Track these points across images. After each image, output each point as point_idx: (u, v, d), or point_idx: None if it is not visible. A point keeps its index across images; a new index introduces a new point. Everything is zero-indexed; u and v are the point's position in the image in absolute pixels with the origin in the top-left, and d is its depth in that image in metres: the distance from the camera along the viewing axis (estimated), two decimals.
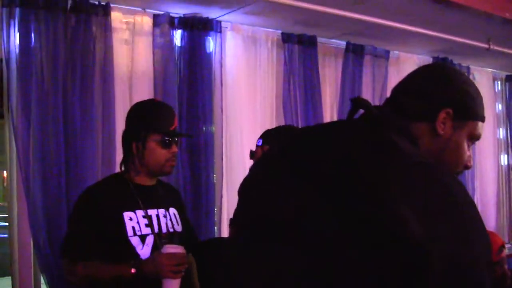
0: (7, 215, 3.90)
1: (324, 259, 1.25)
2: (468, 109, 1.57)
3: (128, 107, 3.59)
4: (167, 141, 2.77)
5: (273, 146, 1.64)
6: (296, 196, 1.35)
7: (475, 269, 1.22)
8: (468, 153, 1.60)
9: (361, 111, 1.55)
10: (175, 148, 2.81)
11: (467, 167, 1.61)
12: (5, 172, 3.90)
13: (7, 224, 3.96)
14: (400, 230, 1.18)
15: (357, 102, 1.54)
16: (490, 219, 6.42)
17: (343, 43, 5.16)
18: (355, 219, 1.23)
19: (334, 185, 1.30)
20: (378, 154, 1.34)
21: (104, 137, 3.85)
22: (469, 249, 1.22)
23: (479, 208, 6.07)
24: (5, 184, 3.85)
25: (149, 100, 3.08)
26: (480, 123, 1.60)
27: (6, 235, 4.10)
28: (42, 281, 3.80)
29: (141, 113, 2.85)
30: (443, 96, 1.55)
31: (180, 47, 4.26)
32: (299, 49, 4.86)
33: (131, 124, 2.85)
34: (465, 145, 1.58)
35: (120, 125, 3.75)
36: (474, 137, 1.60)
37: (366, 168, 1.29)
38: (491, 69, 6.67)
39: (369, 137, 1.40)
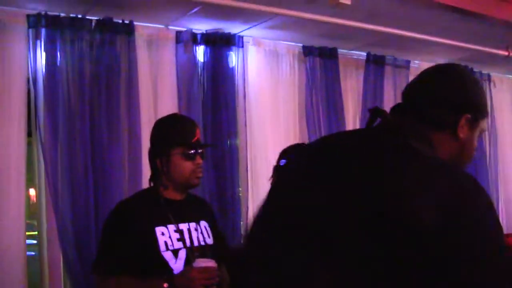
0: (34, 233, 3.94)
1: (344, 256, 1.29)
2: (481, 109, 1.62)
3: (153, 123, 3.66)
4: (190, 154, 2.78)
5: (298, 156, 1.67)
6: (323, 197, 1.39)
7: (493, 256, 1.24)
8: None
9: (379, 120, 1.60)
10: (199, 160, 2.82)
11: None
12: (31, 190, 3.94)
13: (35, 241, 4.00)
14: (415, 223, 1.21)
15: (375, 112, 1.59)
16: None
17: (363, 54, 5.17)
18: (375, 216, 1.26)
19: (358, 187, 1.34)
20: (400, 158, 1.38)
21: (131, 153, 3.88)
22: (486, 239, 1.24)
23: (503, 208, 6.09)
24: (31, 201, 3.86)
25: (170, 115, 3.09)
26: (486, 119, 1.66)
27: (34, 253, 4.13)
28: None
29: (162, 129, 2.88)
30: (463, 103, 1.58)
31: (203, 62, 4.29)
32: (320, 62, 4.87)
33: (154, 141, 2.87)
34: (476, 141, 1.63)
35: (145, 141, 3.72)
36: (483, 131, 1.65)
37: (388, 172, 1.33)
38: None
39: (390, 143, 1.45)
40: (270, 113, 4.62)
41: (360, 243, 1.27)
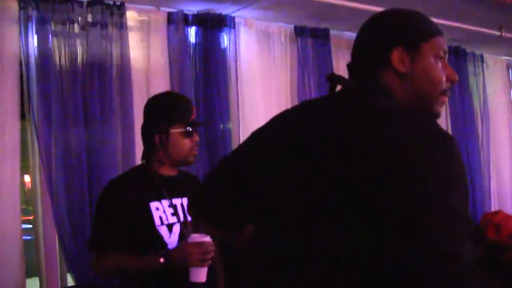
0: (31, 217, 3.96)
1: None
2: (414, 35, 1.58)
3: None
4: (189, 131, 2.80)
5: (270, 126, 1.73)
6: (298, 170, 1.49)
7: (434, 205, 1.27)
8: (446, 70, 1.60)
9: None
10: (196, 137, 2.84)
11: (453, 81, 1.62)
12: (26, 176, 3.96)
13: (31, 226, 4.03)
14: (368, 168, 1.32)
15: (332, 78, 1.66)
16: (507, 208, 6.41)
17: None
18: (341, 163, 1.38)
19: (326, 146, 1.45)
20: (355, 114, 1.46)
21: (124, 134, 3.90)
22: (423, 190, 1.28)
23: (495, 187, 6.10)
24: (26, 188, 3.88)
25: (166, 93, 3.10)
26: (435, 39, 1.59)
27: (30, 237, 4.16)
28: (69, 279, 3.87)
29: (160, 106, 2.88)
30: (386, 39, 1.58)
31: (195, 44, 4.31)
32: (312, 42, 4.89)
33: (151, 117, 2.86)
34: (435, 66, 1.58)
35: (138, 121, 3.73)
36: (440, 53, 1.59)
37: (348, 130, 1.42)
38: (505, 57, 6.66)
39: (350, 103, 1.52)
40: (262, 94, 4.64)
41: (333, 192, 1.39)
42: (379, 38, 1.59)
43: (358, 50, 1.67)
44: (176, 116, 2.80)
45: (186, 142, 2.80)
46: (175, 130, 2.78)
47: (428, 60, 1.57)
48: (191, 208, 1.97)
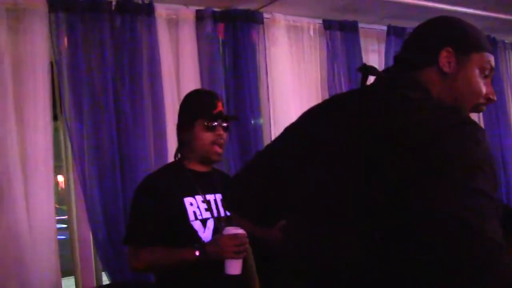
0: (65, 217, 4.04)
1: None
2: (468, 42, 1.63)
3: (176, 102, 3.76)
4: (211, 125, 2.87)
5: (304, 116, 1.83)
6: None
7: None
8: (486, 87, 1.65)
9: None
10: (220, 130, 2.90)
11: (490, 100, 1.67)
12: (59, 176, 4.03)
13: (65, 226, 4.10)
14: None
15: (364, 69, 1.69)
16: None
17: (384, 28, 5.18)
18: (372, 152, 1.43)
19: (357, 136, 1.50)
20: (386, 103, 1.52)
21: (156, 133, 3.95)
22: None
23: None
24: (60, 188, 3.95)
25: (193, 90, 3.20)
26: (487, 54, 1.65)
27: (65, 237, 4.23)
28: (104, 278, 3.94)
29: (186, 103, 3.01)
30: (440, 37, 1.64)
31: (224, 40, 4.36)
32: (341, 36, 4.90)
33: (180, 115, 3.00)
34: (478, 78, 1.63)
35: (170, 119, 3.90)
36: (486, 69, 1.64)
37: (376, 117, 1.49)
38: None
39: (381, 97, 1.57)
40: (293, 89, 4.67)
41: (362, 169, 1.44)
42: (434, 34, 1.66)
43: (410, 43, 1.72)
44: (199, 110, 2.90)
45: (208, 136, 2.87)
46: (198, 124, 2.87)
47: (473, 70, 1.62)
48: (226, 202, 2.02)
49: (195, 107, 2.92)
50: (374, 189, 1.39)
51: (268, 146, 1.89)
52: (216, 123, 2.88)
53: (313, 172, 1.59)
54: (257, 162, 1.88)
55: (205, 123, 2.86)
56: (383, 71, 1.71)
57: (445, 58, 1.60)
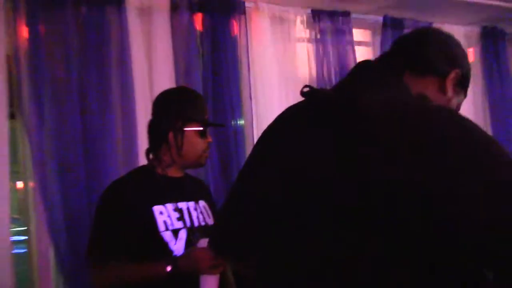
0: (22, 228, 3.99)
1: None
2: (466, 78, 1.76)
3: (148, 98, 3.73)
4: (204, 131, 2.92)
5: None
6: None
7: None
8: None
9: None
10: (210, 138, 2.97)
11: None
12: (18, 183, 3.99)
13: (23, 238, 4.06)
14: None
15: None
16: None
17: (380, 18, 5.18)
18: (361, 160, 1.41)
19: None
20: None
21: (125, 132, 3.93)
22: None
23: None
24: (19, 195, 3.91)
25: (181, 88, 3.22)
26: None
27: (22, 250, 4.18)
28: None
29: (176, 101, 2.96)
30: (457, 57, 1.74)
31: (201, 32, 4.34)
32: (331, 27, 4.90)
33: (164, 113, 2.93)
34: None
35: (141, 119, 3.84)
36: (458, 105, 1.77)
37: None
38: None
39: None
40: (278, 86, 4.66)
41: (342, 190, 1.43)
42: (454, 50, 1.76)
43: (421, 42, 1.77)
44: (193, 113, 2.91)
45: (200, 143, 2.91)
46: (191, 129, 2.88)
47: (454, 101, 1.74)
48: (211, 242, 2.08)
49: (187, 108, 2.92)
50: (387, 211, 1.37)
51: (242, 172, 1.87)
52: (206, 129, 2.94)
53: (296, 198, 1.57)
54: (234, 196, 1.87)
55: (198, 129, 2.90)
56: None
57: (451, 79, 1.70)
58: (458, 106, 1.75)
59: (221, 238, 1.93)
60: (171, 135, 2.87)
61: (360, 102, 1.48)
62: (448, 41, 1.78)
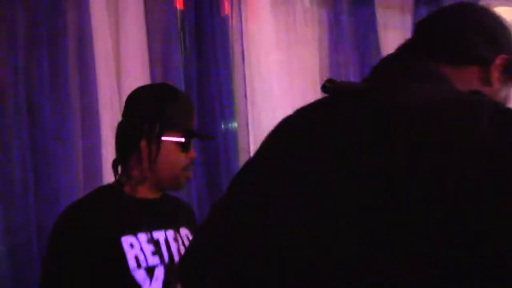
0: None
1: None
2: None
3: (115, 94, 3.73)
4: (187, 143, 2.85)
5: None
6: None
7: None
8: None
9: None
10: (193, 153, 2.90)
11: None
12: None
13: None
14: None
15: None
16: None
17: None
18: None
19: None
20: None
21: (85, 137, 3.90)
22: None
23: None
24: None
25: (163, 85, 3.14)
26: None
27: None
28: None
29: (155, 100, 2.88)
30: (504, 40, 1.76)
31: (183, 12, 4.33)
32: (349, 6, 4.91)
33: (138, 113, 2.87)
34: None
35: (106, 119, 3.87)
36: (506, 98, 1.78)
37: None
38: None
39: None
40: (280, 80, 4.66)
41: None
42: (497, 30, 1.76)
43: (455, 24, 1.78)
44: (176, 118, 2.85)
45: (181, 158, 2.85)
46: (169, 138, 2.82)
47: (502, 93, 1.75)
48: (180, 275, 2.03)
49: (169, 111, 2.84)
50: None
51: (225, 197, 1.83)
52: (189, 141, 2.88)
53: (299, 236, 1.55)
54: (213, 225, 1.85)
55: (179, 140, 2.83)
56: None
57: (496, 68, 1.71)
58: (506, 99, 1.77)
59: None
60: (143, 143, 2.80)
61: (411, 102, 1.46)
62: (489, 20, 1.77)
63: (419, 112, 1.41)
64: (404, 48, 1.79)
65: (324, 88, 1.66)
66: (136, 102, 2.92)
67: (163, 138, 2.80)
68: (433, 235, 1.30)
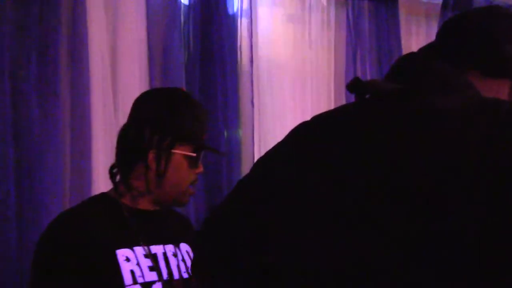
0: None
1: None
2: None
3: (110, 98, 3.70)
4: (197, 157, 2.83)
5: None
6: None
7: None
8: None
9: None
10: (201, 168, 2.88)
11: None
12: None
13: None
14: None
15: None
16: None
17: None
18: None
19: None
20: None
21: (74, 141, 3.90)
22: None
23: None
24: None
25: (176, 91, 3.08)
26: None
27: None
28: None
29: (168, 110, 2.85)
30: None
31: (188, 7, 4.34)
32: (369, 7, 4.94)
33: (150, 122, 2.83)
34: None
35: (99, 123, 3.85)
36: None
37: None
38: None
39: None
40: (292, 86, 4.68)
41: None
42: None
43: (492, 31, 1.75)
44: (187, 131, 2.81)
45: (189, 173, 2.82)
46: (181, 152, 2.80)
47: None
48: (194, 266, 2.01)
49: (183, 121, 2.82)
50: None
51: (244, 180, 1.85)
52: (199, 156, 2.86)
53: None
54: (233, 206, 1.83)
55: (190, 154, 2.81)
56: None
57: None
58: None
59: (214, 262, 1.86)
60: (151, 155, 2.77)
61: (451, 107, 1.49)
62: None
63: (458, 116, 1.44)
64: (430, 51, 1.79)
65: (352, 87, 1.69)
66: (147, 107, 2.89)
67: (174, 150, 2.78)
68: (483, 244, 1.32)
